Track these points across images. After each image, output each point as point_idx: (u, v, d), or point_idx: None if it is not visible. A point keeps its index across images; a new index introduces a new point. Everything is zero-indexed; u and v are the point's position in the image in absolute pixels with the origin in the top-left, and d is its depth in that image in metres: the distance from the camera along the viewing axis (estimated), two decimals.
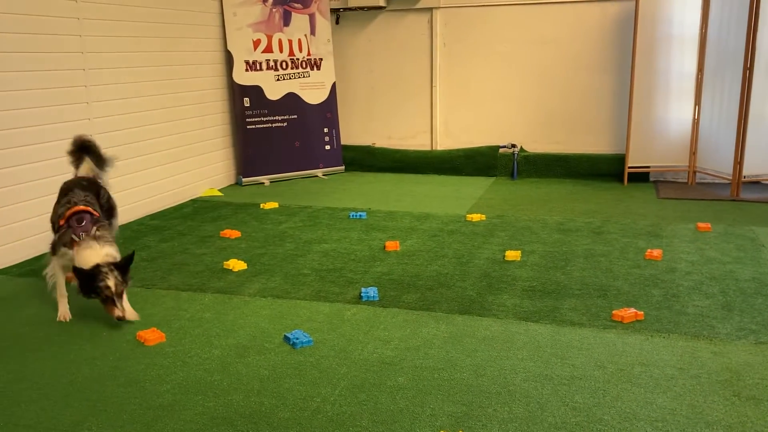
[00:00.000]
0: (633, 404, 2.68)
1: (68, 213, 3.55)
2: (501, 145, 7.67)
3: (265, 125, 7.31)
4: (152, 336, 3.36)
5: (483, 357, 3.13)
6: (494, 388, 2.84)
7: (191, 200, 6.56)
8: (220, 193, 6.84)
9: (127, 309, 3.51)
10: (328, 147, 7.79)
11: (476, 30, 7.61)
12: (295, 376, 2.96)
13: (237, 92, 7.15)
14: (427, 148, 8.01)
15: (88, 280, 3.36)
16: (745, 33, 6.10)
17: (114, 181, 5.55)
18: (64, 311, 3.66)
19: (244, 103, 7.17)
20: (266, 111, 7.31)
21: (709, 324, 3.45)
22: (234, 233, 5.26)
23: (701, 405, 2.67)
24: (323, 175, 7.74)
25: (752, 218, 5.56)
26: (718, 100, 6.61)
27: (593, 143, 7.46)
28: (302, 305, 3.79)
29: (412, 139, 8.04)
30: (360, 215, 5.78)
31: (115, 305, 3.39)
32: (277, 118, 7.38)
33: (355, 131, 8.19)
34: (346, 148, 8.05)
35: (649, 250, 4.62)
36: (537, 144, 7.63)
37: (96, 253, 3.43)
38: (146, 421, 2.62)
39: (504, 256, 4.63)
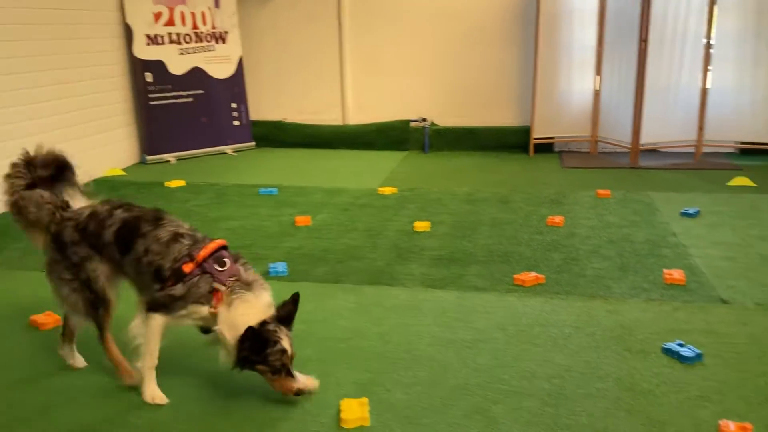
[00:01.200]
0: (532, 363, 2.78)
1: (202, 255, 2.45)
2: (412, 119, 7.72)
3: (169, 101, 7.07)
4: (48, 320, 3.22)
5: (390, 325, 3.16)
6: (399, 354, 2.87)
7: (92, 180, 6.26)
8: (123, 173, 6.59)
9: (300, 376, 2.49)
10: (236, 123, 7.62)
11: (383, 2, 7.58)
12: (201, 354, 2.90)
13: (138, 67, 6.87)
14: (339, 122, 7.96)
15: (257, 346, 2.38)
16: (640, 5, 6.34)
17: (5, 163, 5.25)
18: (156, 392, 2.55)
19: (146, 78, 6.90)
20: (170, 86, 7.06)
21: (606, 284, 3.60)
22: None
23: (595, 360, 2.79)
24: (232, 151, 7.57)
25: (649, 184, 5.83)
26: (617, 72, 6.86)
27: (501, 116, 7.60)
28: None
29: (324, 114, 7.97)
30: (270, 191, 5.70)
31: (292, 376, 2.44)
32: (181, 93, 7.15)
33: (264, 106, 8.04)
34: (256, 123, 7.90)
35: (551, 217, 4.78)
36: (447, 117, 7.71)
37: (256, 306, 2.43)
38: (40, 407, 2.52)
39: (413, 227, 4.68)
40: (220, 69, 7.42)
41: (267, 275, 3.80)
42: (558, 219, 4.74)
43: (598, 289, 3.55)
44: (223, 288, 2.43)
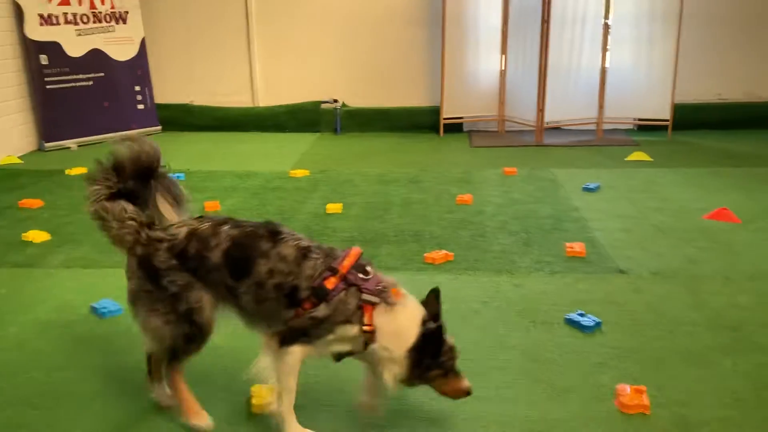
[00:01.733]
0: None
1: (346, 265, 2.13)
2: (323, 100, 7.67)
3: (67, 84, 6.74)
4: None
5: None
6: None
7: None
8: (19, 161, 6.25)
9: None
10: (141, 106, 7.35)
11: None
12: (103, 346, 2.81)
13: (32, 49, 6.50)
14: (249, 105, 7.82)
15: (435, 349, 2.13)
16: None
17: None
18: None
19: (40, 60, 6.54)
20: (68, 69, 6.72)
21: (511, 259, 3.71)
22: (35, 203, 4.84)
23: (502, 334, 2.88)
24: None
25: (553, 161, 6.03)
26: (521, 52, 7.03)
27: (411, 96, 7.66)
28: (111, 273, 3.56)
29: (233, 96, 7.79)
30: (178, 177, 5.54)
31: (460, 375, 2.20)
32: (80, 76, 6.82)
33: (170, 89, 7.77)
34: (162, 107, 7.64)
35: (460, 196, 4.87)
36: (358, 98, 7.70)
37: (414, 308, 2.15)
38: None
39: (325, 209, 4.66)
40: (121, 51, 7.12)
41: None
42: (467, 197, 4.84)
43: (504, 264, 3.65)
44: (375, 299, 2.10)
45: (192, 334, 2.21)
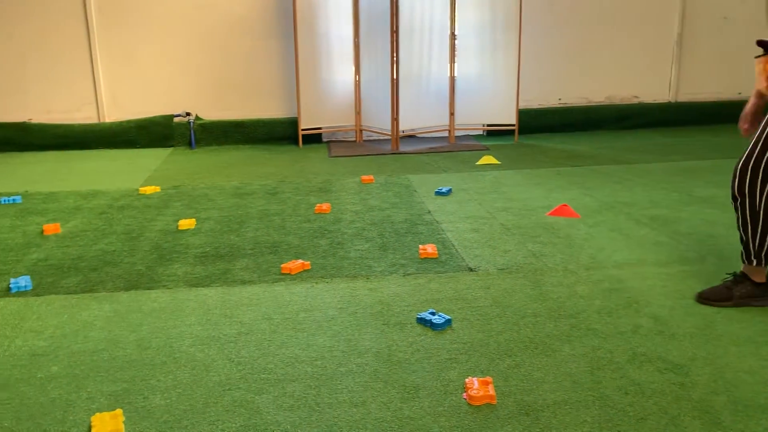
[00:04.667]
0: (296, 349, 2.80)
1: None
2: (175, 114, 7.41)
3: None
4: None
5: (148, 330, 3.00)
6: (159, 358, 2.74)
7: None
8: None
9: None
10: None
11: None
12: None
13: None
14: (95, 120, 7.41)
15: None
16: None
17: None
18: None
19: None
20: None
21: (367, 264, 3.75)
22: None
23: (356, 338, 2.89)
24: None
25: (408, 168, 6.17)
26: (373, 62, 7.16)
27: (268, 108, 7.59)
28: None
29: (77, 112, 7.37)
30: (13, 200, 5.15)
31: None
32: None
33: (4, 107, 7.22)
34: None
35: (318, 205, 4.87)
36: (212, 111, 7.52)
37: None
38: None
39: (178, 225, 4.50)
40: None
41: (8, 292, 3.42)
42: (325, 206, 4.84)
43: (360, 269, 3.68)
44: None
45: None
